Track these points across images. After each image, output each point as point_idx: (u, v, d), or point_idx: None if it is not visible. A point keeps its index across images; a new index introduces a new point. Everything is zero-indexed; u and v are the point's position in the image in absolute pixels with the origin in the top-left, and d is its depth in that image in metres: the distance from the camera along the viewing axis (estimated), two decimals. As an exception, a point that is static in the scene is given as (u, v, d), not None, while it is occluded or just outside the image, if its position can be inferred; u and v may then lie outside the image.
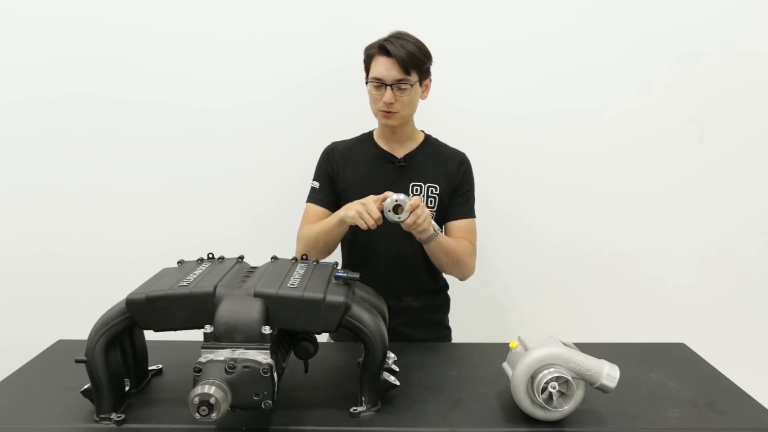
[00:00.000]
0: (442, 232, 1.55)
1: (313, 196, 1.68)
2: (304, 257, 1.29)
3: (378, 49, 1.54)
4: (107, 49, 2.07)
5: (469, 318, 1.92)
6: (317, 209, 1.66)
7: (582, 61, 2.10)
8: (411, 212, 1.39)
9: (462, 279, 1.69)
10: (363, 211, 1.40)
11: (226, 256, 1.30)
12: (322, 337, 1.63)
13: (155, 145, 2.15)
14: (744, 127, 2.14)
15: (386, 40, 1.54)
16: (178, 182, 2.18)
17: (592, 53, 2.10)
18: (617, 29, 2.08)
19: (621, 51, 2.10)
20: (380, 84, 1.53)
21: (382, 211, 1.41)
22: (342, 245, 1.72)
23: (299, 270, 1.20)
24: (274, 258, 1.29)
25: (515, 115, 2.14)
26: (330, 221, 1.53)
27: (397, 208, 1.40)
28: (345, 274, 1.16)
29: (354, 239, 1.67)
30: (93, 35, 2.06)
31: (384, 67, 1.52)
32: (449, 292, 1.80)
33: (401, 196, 1.40)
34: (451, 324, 1.81)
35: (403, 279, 1.66)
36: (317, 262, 1.27)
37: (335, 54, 2.08)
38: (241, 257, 1.30)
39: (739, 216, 2.19)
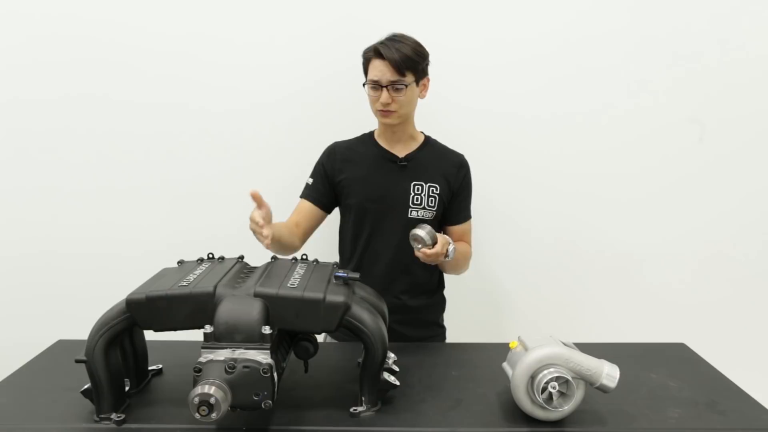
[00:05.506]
0: (451, 246, 1.54)
1: (305, 192, 1.72)
2: (304, 257, 1.29)
3: (373, 53, 1.57)
4: (107, 49, 2.07)
5: (465, 317, 1.93)
6: (306, 204, 1.70)
7: (581, 62, 2.10)
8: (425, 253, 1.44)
9: (457, 274, 1.78)
10: (254, 229, 1.35)
11: (226, 256, 1.30)
12: (321, 337, 1.64)
13: (156, 145, 2.15)
14: (744, 127, 2.14)
15: (381, 43, 1.56)
16: (178, 182, 2.18)
17: (591, 54, 2.09)
18: (616, 30, 2.08)
19: (620, 52, 2.09)
20: (376, 86, 1.56)
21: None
22: (342, 242, 1.74)
23: (299, 270, 1.20)
24: (274, 258, 1.29)
25: (513, 116, 2.14)
26: None
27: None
28: (345, 274, 1.16)
29: (355, 237, 1.68)
30: (93, 35, 2.06)
31: (379, 70, 1.55)
32: (445, 292, 1.81)
33: (421, 234, 1.44)
34: (446, 323, 1.82)
35: (402, 278, 1.67)
36: (317, 262, 1.27)
37: (334, 54, 2.08)
38: (241, 257, 1.30)
39: (739, 216, 2.19)
